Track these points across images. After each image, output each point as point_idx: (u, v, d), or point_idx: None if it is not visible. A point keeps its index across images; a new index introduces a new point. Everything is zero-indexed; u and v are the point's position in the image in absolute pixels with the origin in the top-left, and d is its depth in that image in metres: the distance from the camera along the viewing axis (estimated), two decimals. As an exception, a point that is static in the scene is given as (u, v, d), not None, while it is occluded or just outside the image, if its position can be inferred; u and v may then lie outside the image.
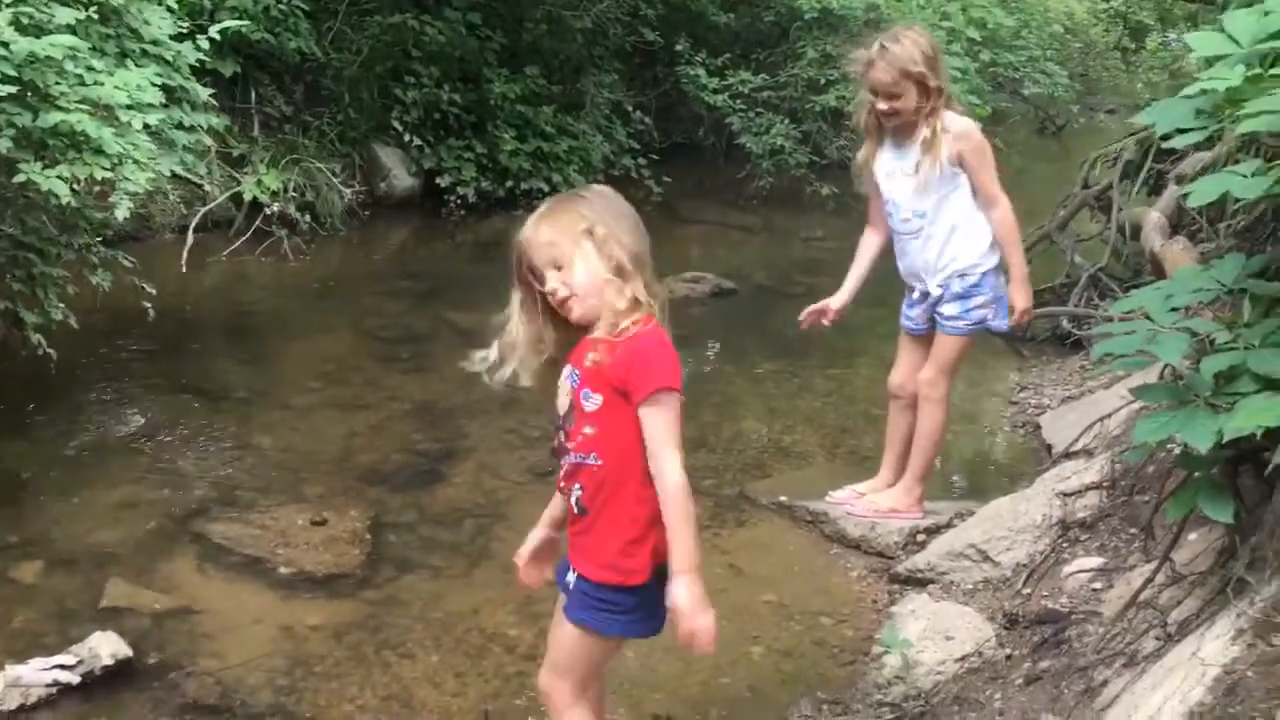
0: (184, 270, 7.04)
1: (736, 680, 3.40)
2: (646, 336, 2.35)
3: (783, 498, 4.49)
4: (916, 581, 3.78)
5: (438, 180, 9.13)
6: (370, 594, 3.78)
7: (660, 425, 2.32)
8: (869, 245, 4.24)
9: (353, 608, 3.69)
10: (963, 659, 3.14)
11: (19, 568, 3.77)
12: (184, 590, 3.72)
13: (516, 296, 2.45)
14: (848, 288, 4.27)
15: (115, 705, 3.11)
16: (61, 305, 4.75)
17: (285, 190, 8.03)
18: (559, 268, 2.37)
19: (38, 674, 3.09)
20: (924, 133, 3.81)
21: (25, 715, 3.03)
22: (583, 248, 2.36)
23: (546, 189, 9.36)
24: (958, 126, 3.84)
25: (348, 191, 8.50)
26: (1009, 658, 3.08)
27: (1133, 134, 7.20)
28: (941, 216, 3.92)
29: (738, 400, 5.62)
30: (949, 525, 4.11)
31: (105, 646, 3.21)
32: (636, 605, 2.41)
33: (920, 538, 4.10)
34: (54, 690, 3.09)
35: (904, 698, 3.12)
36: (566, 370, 2.46)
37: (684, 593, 2.30)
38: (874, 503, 4.31)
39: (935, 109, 3.80)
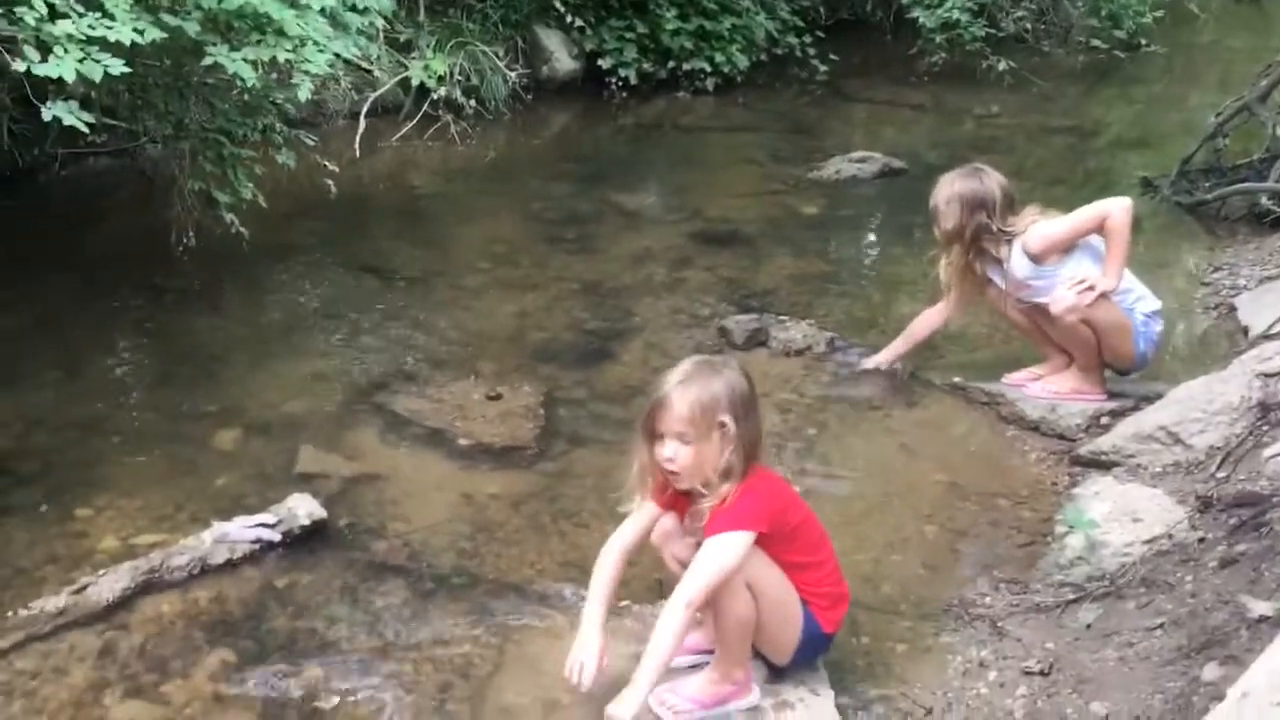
0: (357, 155, 7.23)
1: (909, 558, 3.38)
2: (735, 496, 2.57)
3: (956, 379, 4.39)
4: (1100, 464, 3.66)
5: (599, 62, 9.06)
6: (545, 466, 3.88)
7: (708, 553, 2.51)
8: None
9: (529, 478, 3.80)
10: (1151, 541, 3.04)
11: (219, 435, 3.99)
12: (370, 458, 3.88)
13: (642, 443, 2.66)
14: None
15: (314, 562, 3.29)
16: (250, 185, 4.92)
17: (451, 74, 8.09)
18: (684, 442, 2.54)
19: (242, 531, 3.28)
20: None
21: (231, 569, 3.23)
22: (710, 439, 2.54)
23: (709, 69, 9.22)
24: None
25: (511, 75, 8.51)
26: (1202, 540, 2.96)
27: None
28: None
29: (908, 282, 5.48)
30: (1135, 408, 3.95)
31: (302, 507, 3.39)
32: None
33: (1104, 420, 3.97)
34: (257, 546, 3.28)
35: (1087, 578, 3.05)
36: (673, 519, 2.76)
37: (623, 699, 2.48)
38: (1054, 384, 4.18)
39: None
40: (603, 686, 2.63)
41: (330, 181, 5.57)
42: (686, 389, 2.55)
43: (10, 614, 2.98)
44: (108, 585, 3.05)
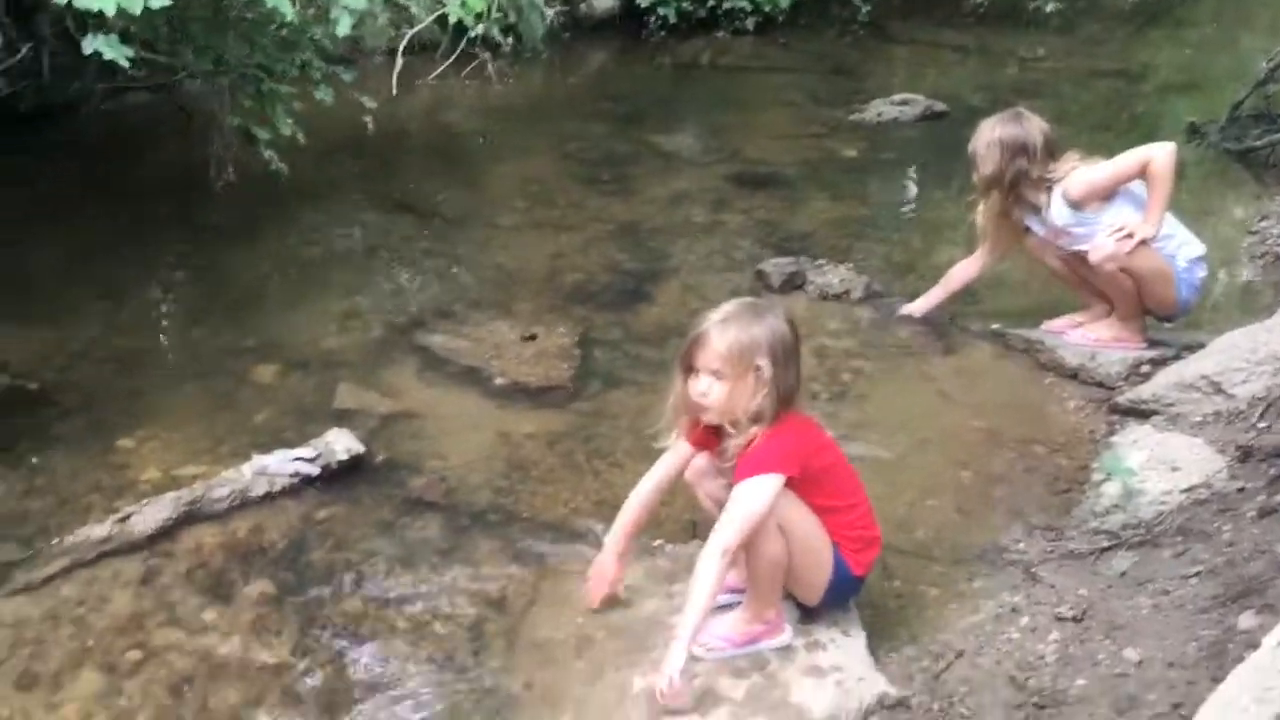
0: (394, 93, 7.20)
1: (944, 503, 3.37)
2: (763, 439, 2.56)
3: (995, 325, 4.35)
4: (1139, 413, 3.62)
5: (637, 0, 8.94)
6: (580, 406, 3.89)
7: (739, 498, 2.51)
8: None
9: (564, 418, 3.81)
10: (1189, 490, 3.02)
11: (258, 370, 4.03)
12: (407, 395, 3.91)
13: (677, 375, 2.64)
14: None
15: (351, 497, 3.33)
16: (289, 121, 4.92)
17: (489, 12, 8.00)
18: (718, 378, 2.53)
19: (281, 464, 3.32)
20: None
21: (271, 501, 3.28)
22: (744, 380, 2.53)
23: (749, 8, 9.09)
24: None
25: (549, 13, 8.42)
26: (1241, 490, 2.94)
27: None
28: None
29: (947, 226, 5.42)
30: (1176, 357, 3.91)
31: (340, 442, 3.43)
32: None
33: (1144, 368, 3.93)
34: (296, 480, 3.32)
35: (1123, 526, 3.04)
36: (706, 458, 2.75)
37: (667, 656, 2.48)
38: (1094, 331, 4.14)
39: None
40: (637, 622, 2.66)
41: (368, 119, 5.56)
42: (726, 327, 2.55)
43: (56, 541, 3.05)
44: (150, 515, 3.10)
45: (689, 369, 2.59)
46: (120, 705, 2.58)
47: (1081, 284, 4.18)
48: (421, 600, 2.93)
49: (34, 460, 3.44)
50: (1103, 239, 3.91)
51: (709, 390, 2.55)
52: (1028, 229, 4.16)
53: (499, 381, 3.99)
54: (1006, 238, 4.24)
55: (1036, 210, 4.06)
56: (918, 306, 4.43)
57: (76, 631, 2.78)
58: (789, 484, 2.53)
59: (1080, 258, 4.05)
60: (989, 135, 4.02)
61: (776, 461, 2.51)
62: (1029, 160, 3.96)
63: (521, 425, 3.76)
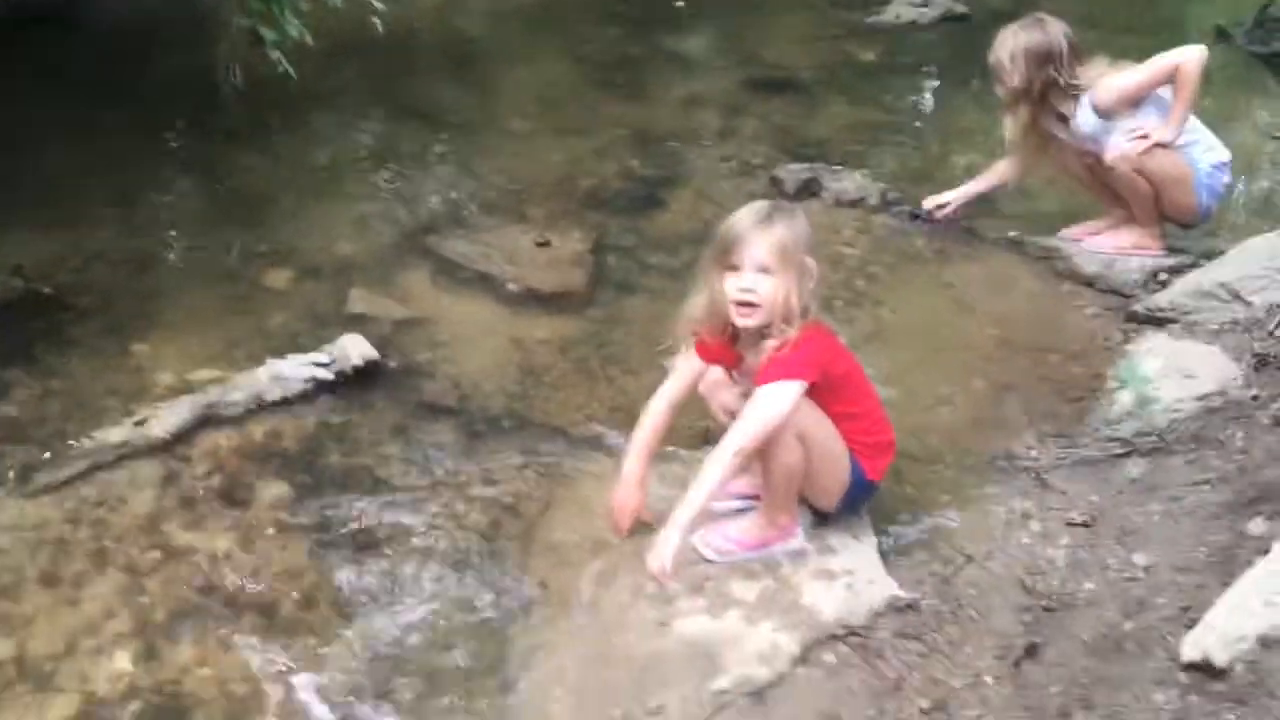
0: (404, -6, 7.06)
1: (958, 411, 3.38)
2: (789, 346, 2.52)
3: (1013, 232, 4.31)
4: (1156, 321, 3.60)
5: (652, -102, 8.72)
6: (594, 312, 3.89)
7: (760, 401, 2.49)
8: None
9: (577, 325, 3.81)
10: (1203, 398, 3.01)
11: (271, 275, 4.02)
12: (420, 301, 3.90)
13: (711, 277, 2.61)
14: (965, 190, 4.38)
15: (365, 402, 3.34)
16: (297, 23, 4.82)
17: (499, -91, 7.81)
18: (767, 273, 2.51)
19: (297, 369, 3.33)
20: None
21: (286, 406, 3.29)
22: (790, 275, 2.52)
23: (769, -93, 8.84)
24: None
25: (561, -89, 8.21)
26: (1256, 398, 2.93)
27: None
28: None
29: (967, 132, 5.35)
30: (1195, 264, 3.87)
31: (354, 348, 3.43)
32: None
33: (1162, 276, 3.90)
34: (310, 385, 3.33)
35: (1135, 433, 3.04)
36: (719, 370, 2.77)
37: (660, 539, 2.49)
38: (1113, 239, 4.10)
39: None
40: (650, 526, 2.69)
41: (376, 20, 5.45)
42: (771, 223, 2.53)
43: (75, 443, 3.07)
44: (167, 418, 3.13)
45: (727, 267, 2.56)
46: (141, 603, 2.63)
47: (1103, 190, 4.13)
48: (436, 504, 2.96)
49: (50, 363, 3.46)
50: (1117, 138, 3.85)
51: (758, 285, 2.52)
52: (1054, 138, 4.09)
53: (512, 287, 3.98)
54: (1034, 149, 4.15)
55: (1065, 120, 3.98)
56: (942, 196, 4.35)
57: (96, 532, 2.82)
58: (808, 391, 2.53)
59: (1102, 163, 3.99)
60: (1012, 44, 3.92)
61: (798, 367, 2.50)
62: (1056, 68, 3.87)
63: (535, 331, 3.76)
